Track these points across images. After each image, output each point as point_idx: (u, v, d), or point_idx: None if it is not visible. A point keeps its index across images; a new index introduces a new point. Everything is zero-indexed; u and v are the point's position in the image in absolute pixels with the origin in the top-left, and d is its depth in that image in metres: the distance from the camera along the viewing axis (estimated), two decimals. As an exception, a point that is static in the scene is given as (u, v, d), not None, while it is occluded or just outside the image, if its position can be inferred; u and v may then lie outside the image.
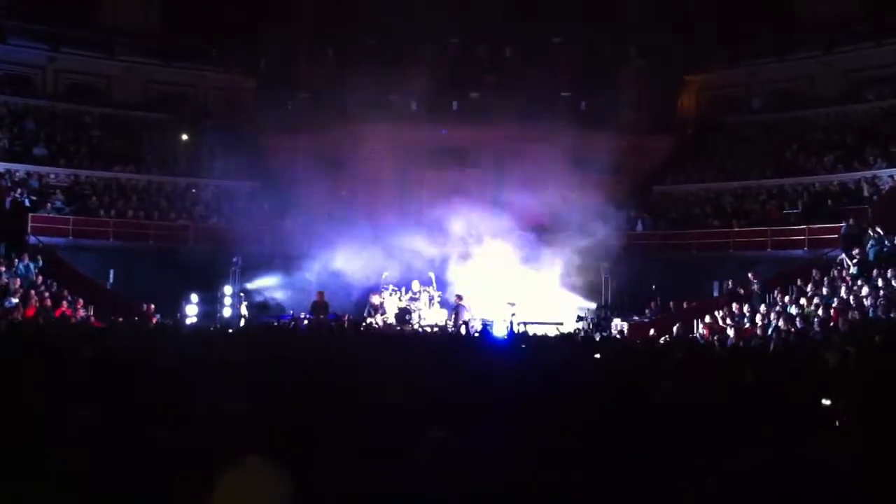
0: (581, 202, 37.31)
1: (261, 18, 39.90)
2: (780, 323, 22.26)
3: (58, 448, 5.70)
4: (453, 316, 27.97)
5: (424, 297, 29.14)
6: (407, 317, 28.37)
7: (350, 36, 39.06)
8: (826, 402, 7.13)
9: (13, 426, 6.06)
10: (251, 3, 40.05)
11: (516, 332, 24.74)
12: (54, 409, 6.31)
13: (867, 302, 22.24)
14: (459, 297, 28.20)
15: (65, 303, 25.44)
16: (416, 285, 29.22)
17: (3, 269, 26.10)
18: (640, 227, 34.57)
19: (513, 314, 27.01)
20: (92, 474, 5.36)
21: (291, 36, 39.99)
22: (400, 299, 29.09)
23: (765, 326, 22.71)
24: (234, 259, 29.19)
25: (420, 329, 27.36)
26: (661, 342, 21.99)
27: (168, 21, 40.26)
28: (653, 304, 28.89)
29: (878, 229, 25.61)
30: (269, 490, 4.28)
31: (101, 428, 6.06)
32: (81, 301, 25.94)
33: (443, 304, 29.43)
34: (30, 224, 29.92)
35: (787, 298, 24.53)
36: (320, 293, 28.72)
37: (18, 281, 25.53)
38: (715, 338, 22.64)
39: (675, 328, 24.58)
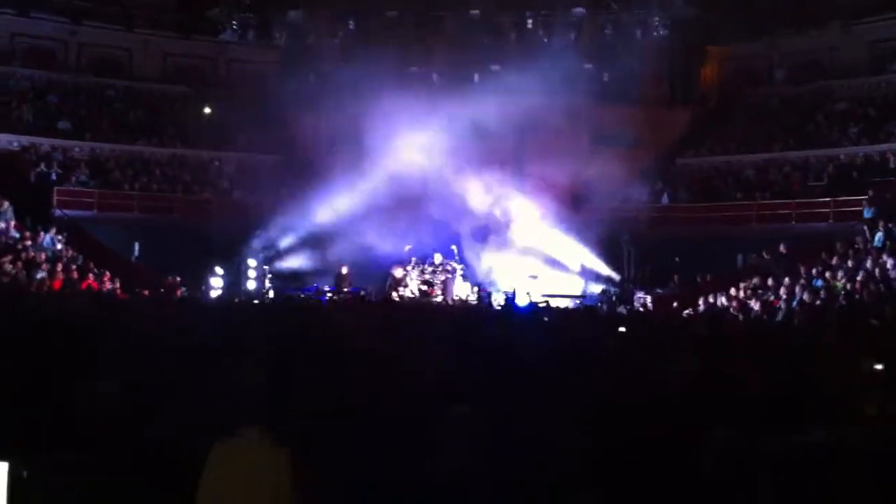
0: (603, 175, 37.25)
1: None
2: (805, 296, 22.22)
3: (84, 419, 5.80)
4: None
5: (447, 270, 29.18)
6: (428, 289, 28.46)
7: (370, 8, 38.87)
8: (878, 366, 7.15)
9: (40, 398, 6.17)
10: (271, -26, 39.94)
11: (538, 304, 24.74)
12: (78, 382, 6.42)
13: (893, 274, 22.17)
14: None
15: (91, 275, 25.67)
16: (438, 258, 29.27)
17: (29, 242, 26.34)
18: (664, 200, 34.45)
19: (534, 289, 27.03)
20: (117, 445, 5.48)
21: (313, 8, 39.84)
22: (422, 272, 29.16)
23: (789, 299, 22.67)
24: (257, 232, 29.30)
25: (442, 302, 27.43)
26: (685, 315, 22.06)
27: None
28: (676, 276, 28.84)
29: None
30: (268, 462, 4.33)
31: (122, 401, 6.16)
32: (108, 274, 26.13)
33: (466, 277, 29.48)
34: (55, 198, 30.11)
35: (813, 271, 24.45)
36: (343, 266, 28.85)
37: (44, 254, 25.76)
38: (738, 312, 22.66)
39: (700, 302, 24.59)
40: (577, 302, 27.79)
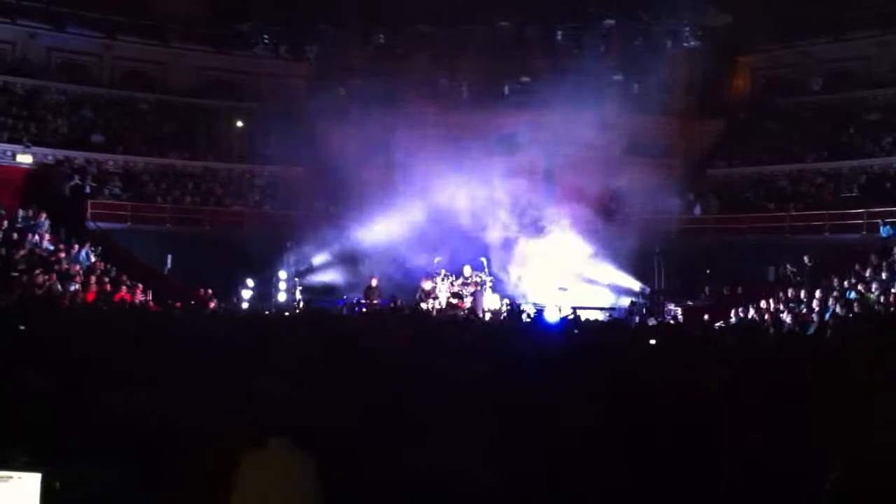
0: (633, 186, 37.14)
1: (311, 4, 40.03)
2: (838, 308, 22.01)
3: (116, 430, 5.85)
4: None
5: (476, 282, 29.15)
6: (458, 301, 28.46)
7: (400, 21, 39.04)
8: None
9: (73, 409, 6.23)
10: (302, -11, 40.20)
11: (568, 317, 24.66)
12: (110, 394, 6.49)
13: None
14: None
15: (124, 287, 25.92)
16: (467, 270, 29.26)
17: (63, 255, 26.63)
18: (696, 211, 34.27)
19: (565, 303, 26.94)
20: (149, 456, 5.53)
21: (342, 21, 40.06)
22: (452, 284, 29.16)
23: (822, 312, 22.46)
24: (288, 244, 29.46)
25: (471, 314, 27.41)
26: (717, 328, 21.87)
27: (219, 7, 40.57)
28: (707, 288, 28.66)
29: None
30: (294, 472, 4.38)
31: (146, 410, 6.21)
32: (140, 286, 26.37)
33: (495, 289, 29.45)
34: (89, 210, 30.45)
35: (845, 283, 24.22)
36: (373, 278, 28.96)
37: (77, 266, 26.05)
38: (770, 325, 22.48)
39: (731, 314, 24.42)
40: (608, 315, 27.67)
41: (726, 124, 38.73)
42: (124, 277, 26.66)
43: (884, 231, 26.50)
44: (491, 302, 28.79)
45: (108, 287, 25.55)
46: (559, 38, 38.39)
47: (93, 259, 27.19)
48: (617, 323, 21.19)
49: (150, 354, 9.00)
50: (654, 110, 37.09)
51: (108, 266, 27.21)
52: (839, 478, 2.08)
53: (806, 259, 26.62)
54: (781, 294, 25.39)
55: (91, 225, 30.02)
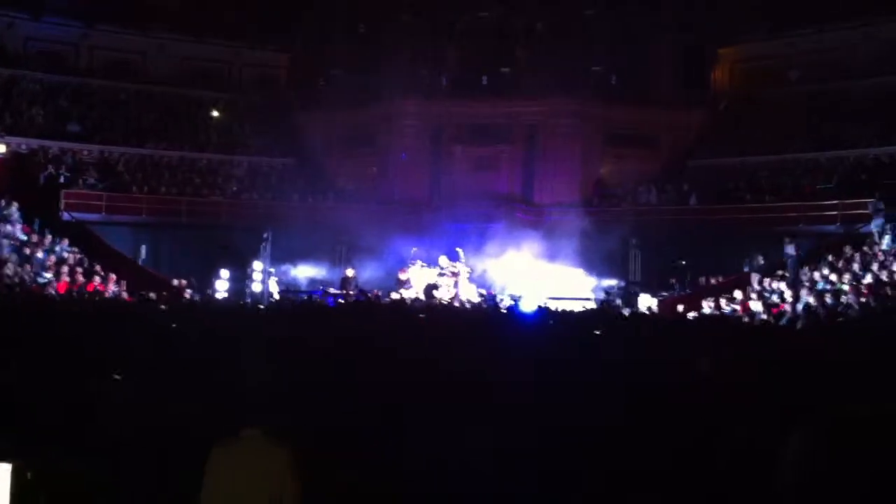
0: (613, 176, 37.21)
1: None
2: (811, 299, 22.01)
3: (90, 420, 5.79)
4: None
5: (453, 272, 29.10)
6: (434, 292, 28.40)
7: (382, 12, 38.95)
8: None
9: (44, 399, 6.17)
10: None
11: (543, 308, 24.60)
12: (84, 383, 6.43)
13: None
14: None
15: (97, 278, 25.74)
16: (443, 261, 29.20)
17: (38, 246, 26.38)
18: (676, 202, 34.20)
19: (547, 295, 26.86)
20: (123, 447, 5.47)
21: (325, 13, 39.95)
22: (428, 275, 29.11)
23: (795, 303, 22.47)
24: (265, 235, 29.30)
25: (447, 304, 27.35)
26: (691, 318, 21.86)
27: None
28: (674, 279, 28.62)
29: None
30: (269, 462, 4.31)
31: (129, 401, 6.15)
32: (114, 276, 26.19)
33: (471, 279, 29.40)
34: (63, 200, 30.22)
35: (817, 274, 24.21)
36: (349, 268, 28.90)
37: (53, 257, 25.89)
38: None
39: (704, 304, 24.42)
40: (584, 305, 27.62)
41: (707, 115, 38.67)
42: (97, 268, 26.46)
43: (874, 225, 26.28)
44: (467, 292, 28.74)
45: (81, 278, 25.37)
46: (539, 28, 38.31)
47: (65, 252, 26.96)
48: (595, 313, 21.15)
49: (125, 345, 8.95)
50: (634, 101, 37.13)
51: (82, 257, 27.01)
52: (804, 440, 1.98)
53: (789, 249, 26.57)
54: (755, 284, 25.39)
55: (66, 216, 29.79)
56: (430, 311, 20.96)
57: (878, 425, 1.95)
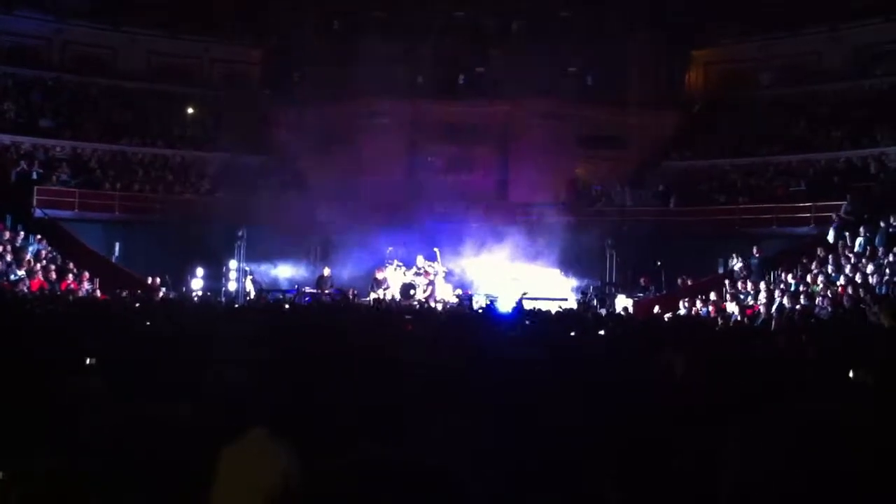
0: (587, 178, 37.36)
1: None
2: (785, 300, 22.25)
3: (68, 419, 5.75)
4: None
5: (429, 272, 29.11)
6: (411, 292, 28.41)
7: (356, 9, 38.87)
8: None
9: (17, 398, 6.11)
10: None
11: (521, 307, 24.68)
12: (58, 381, 6.37)
13: (872, 280, 22.21)
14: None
15: (70, 276, 25.52)
16: (420, 260, 29.22)
17: (9, 243, 26.09)
18: (650, 204, 34.42)
19: (524, 293, 26.93)
20: (100, 446, 5.43)
21: (298, 8, 39.77)
22: (404, 274, 29.11)
23: (769, 304, 22.69)
24: (239, 233, 29.12)
25: (423, 304, 27.36)
26: (666, 319, 22.01)
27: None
28: (643, 279, 28.81)
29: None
30: (273, 463, 4.35)
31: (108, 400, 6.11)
32: (87, 274, 25.97)
33: (447, 279, 29.44)
34: (36, 197, 29.91)
35: (789, 276, 24.48)
36: (325, 267, 28.82)
37: (28, 254, 25.65)
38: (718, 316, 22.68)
39: (680, 305, 24.61)
40: (560, 306, 27.72)
41: (681, 117, 38.98)
42: (71, 266, 26.23)
43: (832, 229, 26.59)
44: (444, 292, 28.78)
45: (54, 276, 25.14)
46: (514, 28, 38.43)
47: (37, 246, 26.71)
48: (571, 314, 21.23)
49: (105, 341, 8.89)
50: (608, 102, 37.34)
51: (54, 254, 26.76)
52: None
53: (755, 251, 26.86)
54: (730, 286, 25.63)
55: (38, 212, 29.48)
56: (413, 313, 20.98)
57: (811, 425, 2.02)
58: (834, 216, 27.07)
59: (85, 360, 8.47)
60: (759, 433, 2.08)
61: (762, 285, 24.03)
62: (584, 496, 5.28)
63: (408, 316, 17.20)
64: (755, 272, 25.48)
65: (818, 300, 21.66)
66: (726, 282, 26.01)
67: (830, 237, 25.96)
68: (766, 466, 2.01)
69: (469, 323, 16.37)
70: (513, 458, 5.40)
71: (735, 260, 27.45)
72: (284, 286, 29.53)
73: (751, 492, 2.01)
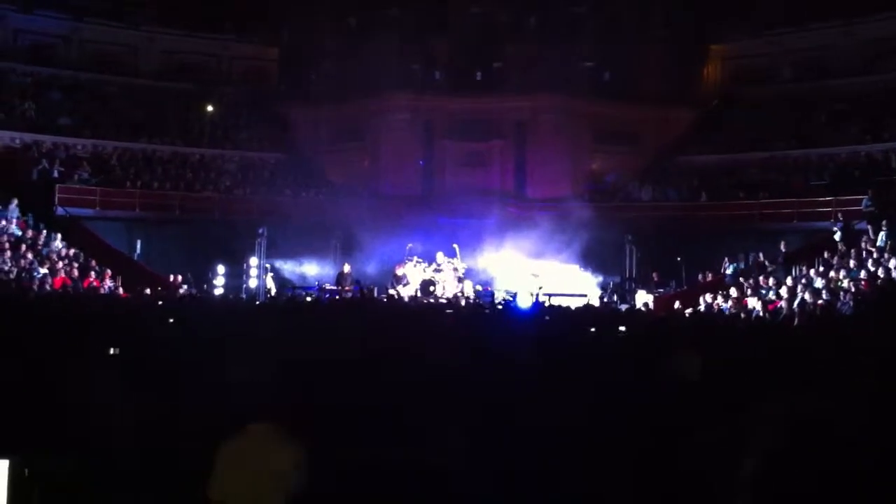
0: (604, 173, 37.33)
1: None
2: (807, 296, 22.18)
3: (86, 417, 5.83)
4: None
5: (448, 268, 29.11)
6: (431, 288, 28.41)
7: (373, 6, 38.94)
8: None
9: (41, 396, 6.19)
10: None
11: (541, 303, 24.69)
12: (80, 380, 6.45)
13: (895, 274, 22.13)
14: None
15: (92, 273, 25.64)
16: (440, 257, 29.21)
17: (32, 241, 26.21)
18: (668, 199, 34.36)
19: (539, 287, 26.94)
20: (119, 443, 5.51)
21: (314, 6, 39.88)
22: (424, 271, 29.11)
23: (790, 299, 22.63)
24: (260, 230, 29.18)
25: (444, 300, 27.37)
26: (687, 315, 21.98)
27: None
28: (654, 274, 28.77)
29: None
30: (279, 456, 4.41)
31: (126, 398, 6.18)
32: (109, 272, 26.08)
33: (467, 275, 29.44)
34: (57, 195, 30.04)
35: (812, 271, 24.40)
36: (345, 264, 28.86)
37: (53, 254, 25.78)
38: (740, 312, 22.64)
39: (700, 301, 24.58)
40: (579, 301, 27.71)
41: (696, 113, 38.93)
42: (93, 264, 26.35)
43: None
44: (464, 288, 28.79)
45: (76, 274, 25.26)
46: (531, 24, 38.42)
47: (60, 244, 26.84)
48: (590, 310, 21.25)
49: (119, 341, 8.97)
50: (625, 98, 37.32)
51: (77, 252, 26.86)
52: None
53: (782, 246, 26.82)
54: (750, 282, 25.56)
55: (60, 211, 29.63)
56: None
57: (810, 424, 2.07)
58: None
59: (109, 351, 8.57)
60: (766, 430, 2.13)
61: (787, 281, 23.94)
62: (583, 496, 5.34)
63: (449, 311, 17.26)
64: (781, 268, 25.32)
65: (841, 295, 21.61)
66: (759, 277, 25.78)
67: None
68: (776, 463, 2.06)
69: (483, 322, 16.39)
70: (513, 459, 5.46)
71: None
72: (304, 283, 29.59)
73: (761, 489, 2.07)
